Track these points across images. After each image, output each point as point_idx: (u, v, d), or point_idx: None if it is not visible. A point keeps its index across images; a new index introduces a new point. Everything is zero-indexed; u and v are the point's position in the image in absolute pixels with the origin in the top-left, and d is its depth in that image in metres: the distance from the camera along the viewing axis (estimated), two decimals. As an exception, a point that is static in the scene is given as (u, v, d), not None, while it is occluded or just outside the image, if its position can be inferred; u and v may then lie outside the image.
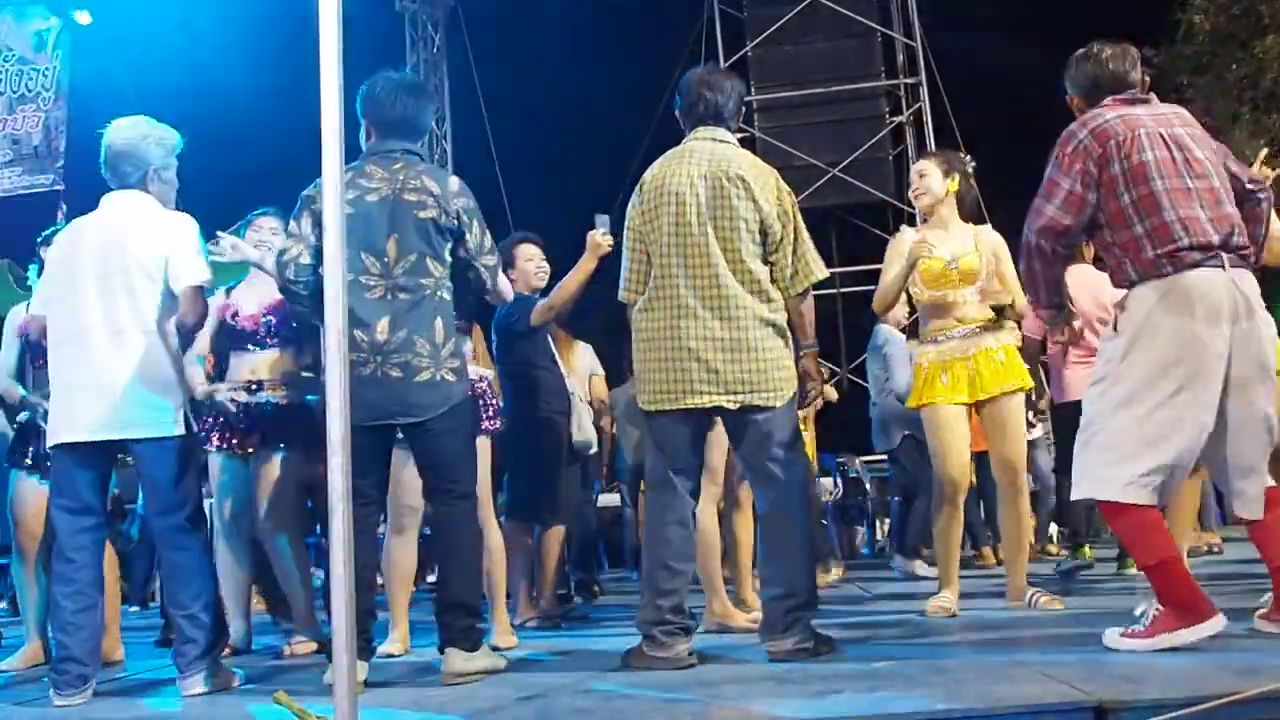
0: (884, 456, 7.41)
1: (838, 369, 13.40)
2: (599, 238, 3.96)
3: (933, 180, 4.12)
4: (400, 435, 3.18)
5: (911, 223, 4.32)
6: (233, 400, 3.99)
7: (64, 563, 3.04)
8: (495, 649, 3.38)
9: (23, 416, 4.15)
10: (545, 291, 4.39)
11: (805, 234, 3.21)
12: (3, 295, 6.06)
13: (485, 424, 3.95)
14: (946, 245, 4.05)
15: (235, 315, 4.05)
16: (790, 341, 3.18)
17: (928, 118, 13.16)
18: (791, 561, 3.07)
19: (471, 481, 3.22)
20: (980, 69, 12.82)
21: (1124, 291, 2.88)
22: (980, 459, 5.01)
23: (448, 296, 3.19)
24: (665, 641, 3.00)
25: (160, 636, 4.60)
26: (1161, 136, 2.84)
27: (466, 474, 3.18)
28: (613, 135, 13.18)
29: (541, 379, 4.43)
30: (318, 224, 3.01)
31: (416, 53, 14.36)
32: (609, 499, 8.28)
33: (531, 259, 4.44)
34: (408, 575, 3.93)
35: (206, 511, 3.85)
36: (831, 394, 4.42)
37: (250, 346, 4.04)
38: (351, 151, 2.83)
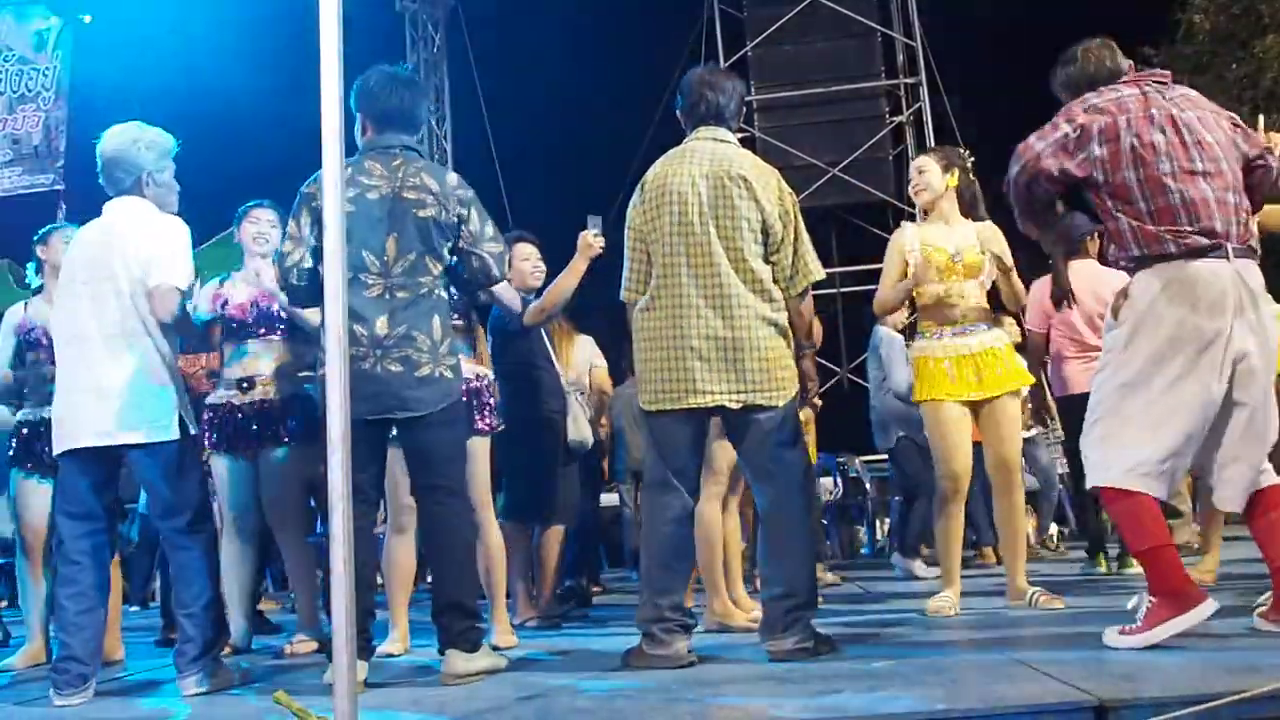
0: (884, 456, 7.42)
1: (838, 369, 13.40)
2: (590, 238, 3.97)
3: (932, 176, 4.13)
4: (394, 432, 3.18)
5: (912, 221, 4.31)
6: (228, 403, 3.98)
7: (68, 565, 3.04)
8: (495, 649, 3.38)
9: (22, 415, 4.16)
10: (540, 291, 4.39)
11: (805, 235, 3.21)
12: (2, 295, 6.06)
13: (485, 423, 3.93)
14: (949, 240, 4.05)
15: (225, 304, 4.04)
16: (791, 341, 3.18)
17: (928, 118, 13.17)
18: (792, 561, 3.07)
19: (462, 480, 3.22)
20: (980, 69, 12.82)
21: (1125, 282, 2.88)
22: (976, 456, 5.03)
23: (444, 295, 3.19)
24: (665, 639, 3.00)
25: (160, 636, 4.60)
26: (1172, 119, 2.82)
27: (458, 472, 3.18)
28: (613, 135, 13.19)
29: (538, 379, 4.43)
30: (317, 223, 3.00)
31: (416, 53, 14.36)
32: (608, 499, 8.27)
33: (528, 258, 4.43)
34: (408, 575, 3.93)
35: (216, 511, 3.87)
36: (816, 401, 4.42)
37: (242, 338, 4.02)
38: (348, 149, 2.82)
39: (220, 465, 4.05)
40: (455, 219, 3.14)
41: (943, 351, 4.03)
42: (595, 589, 6.36)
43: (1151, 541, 2.76)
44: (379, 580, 4.29)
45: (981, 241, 4.04)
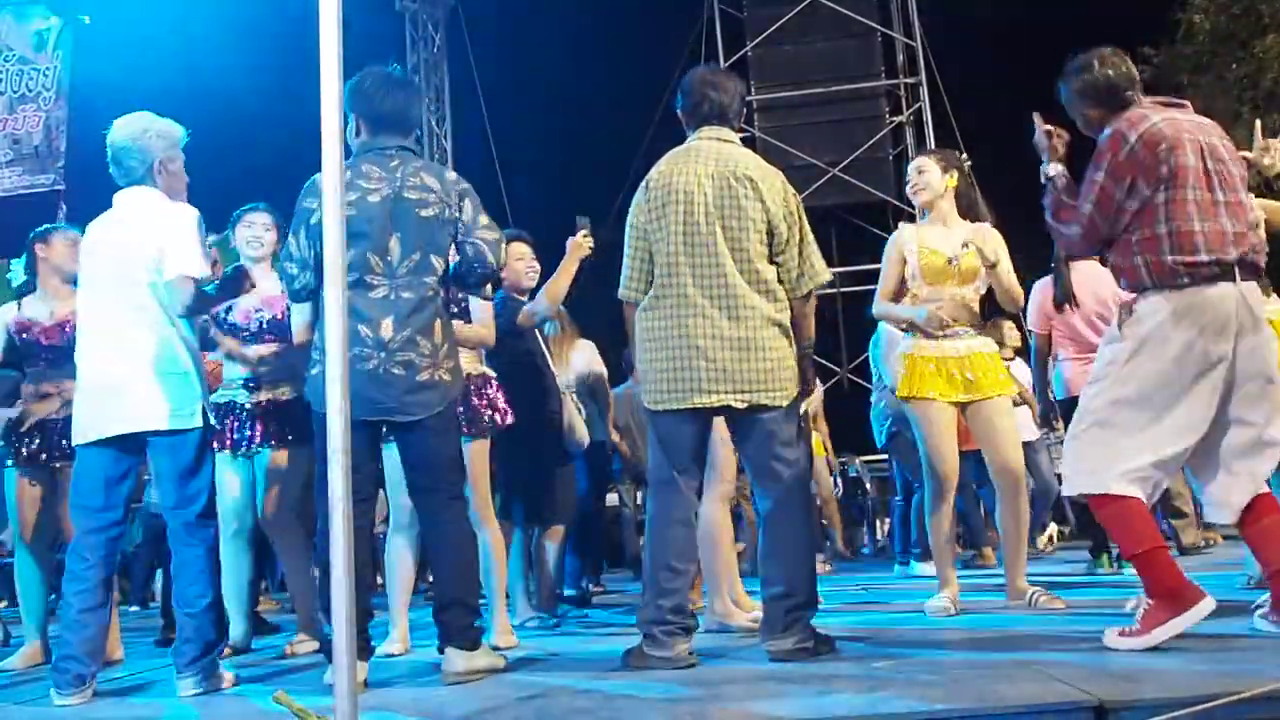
0: (884, 456, 7.43)
1: (838, 369, 13.41)
2: (579, 239, 3.97)
3: (931, 175, 4.14)
4: (390, 436, 3.17)
5: (911, 222, 4.31)
6: (230, 403, 3.98)
7: (76, 560, 3.04)
8: (495, 649, 3.38)
9: (14, 413, 4.15)
10: (535, 291, 4.39)
11: (810, 235, 3.21)
12: (2, 295, 6.05)
13: (487, 422, 3.92)
14: (947, 243, 4.06)
15: (229, 311, 4.05)
16: (794, 341, 3.18)
17: (928, 118, 13.19)
18: (792, 561, 3.07)
19: (461, 483, 3.22)
20: (980, 69, 12.83)
21: (1126, 291, 2.88)
22: (974, 458, 5.02)
23: (444, 295, 3.18)
24: (665, 641, 2.99)
25: (160, 636, 4.60)
26: (1201, 146, 2.84)
27: (457, 475, 3.18)
28: (613, 135, 13.21)
29: (534, 379, 4.42)
30: (317, 238, 2.99)
31: (416, 53, 14.38)
32: (608, 498, 8.26)
33: (522, 258, 4.41)
34: (408, 575, 3.93)
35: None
36: (817, 398, 4.43)
37: (244, 341, 4.03)
38: (347, 150, 2.82)
39: (220, 465, 4.04)
40: (457, 213, 3.14)
41: (933, 351, 4.05)
42: (596, 589, 6.37)
43: (1145, 544, 2.77)
44: (379, 580, 4.28)
45: (972, 241, 4.04)
